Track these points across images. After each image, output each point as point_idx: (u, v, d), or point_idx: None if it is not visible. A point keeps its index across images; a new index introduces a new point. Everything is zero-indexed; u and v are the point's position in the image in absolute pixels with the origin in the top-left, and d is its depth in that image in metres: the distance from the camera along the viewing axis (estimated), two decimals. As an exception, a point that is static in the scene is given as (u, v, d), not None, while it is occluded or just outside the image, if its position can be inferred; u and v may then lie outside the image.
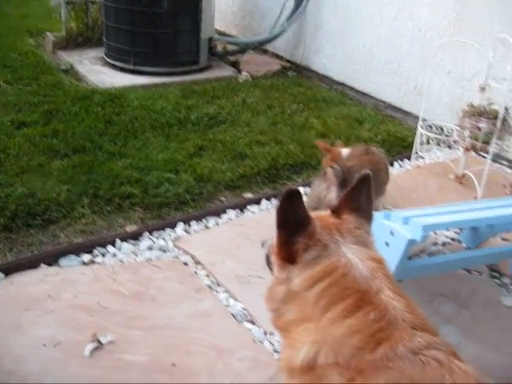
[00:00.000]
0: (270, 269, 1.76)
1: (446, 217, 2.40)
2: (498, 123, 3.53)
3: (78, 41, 6.19)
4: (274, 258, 1.64)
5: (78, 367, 2.23)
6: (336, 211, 1.65)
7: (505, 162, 4.35)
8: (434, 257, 3.07)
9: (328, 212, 1.67)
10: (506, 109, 3.60)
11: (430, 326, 1.41)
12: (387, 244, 2.26)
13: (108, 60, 5.71)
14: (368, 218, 1.61)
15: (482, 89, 3.77)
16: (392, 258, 2.23)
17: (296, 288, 1.51)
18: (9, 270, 2.69)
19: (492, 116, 3.60)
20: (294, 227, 1.51)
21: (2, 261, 2.77)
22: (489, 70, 3.71)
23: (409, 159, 4.29)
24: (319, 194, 2.91)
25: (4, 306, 2.50)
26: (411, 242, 2.21)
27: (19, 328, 2.39)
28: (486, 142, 3.66)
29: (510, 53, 3.41)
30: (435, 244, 3.27)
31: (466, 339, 2.56)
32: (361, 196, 1.60)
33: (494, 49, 3.65)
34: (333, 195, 2.88)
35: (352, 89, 5.68)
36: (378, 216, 2.36)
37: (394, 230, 2.24)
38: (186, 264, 2.91)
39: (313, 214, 1.60)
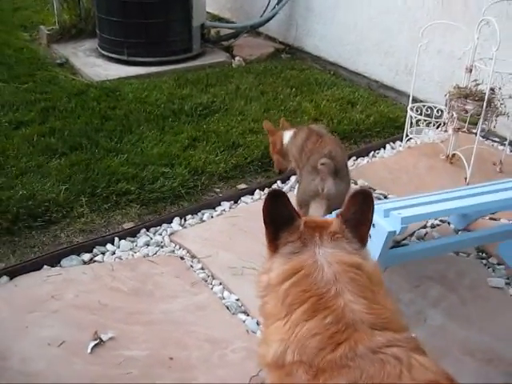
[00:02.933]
0: None
1: (426, 207, 2.49)
2: (484, 105, 3.59)
3: (71, 33, 6.25)
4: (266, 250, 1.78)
5: (81, 364, 2.36)
6: (337, 216, 1.75)
7: (496, 139, 4.41)
8: (421, 243, 3.17)
9: (334, 217, 1.77)
10: (492, 89, 3.66)
11: (396, 323, 1.51)
12: (370, 236, 2.35)
13: (102, 52, 5.78)
14: (358, 231, 1.69)
15: (469, 70, 3.83)
16: (374, 248, 2.34)
17: (273, 281, 1.64)
18: (13, 273, 2.81)
19: (478, 97, 3.66)
20: (278, 223, 1.65)
21: (6, 264, 2.89)
22: (474, 52, 3.76)
23: (400, 141, 4.36)
24: (316, 188, 3.01)
25: (10, 309, 2.63)
26: (391, 234, 2.31)
27: (25, 329, 2.52)
28: (474, 123, 3.73)
29: (495, 34, 3.45)
30: (424, 226, 3.36)
31: (452, 321, 2.68)
32: (352, 208, 1.69)
33: (479, 30, 3.69)
34: (331, 184, 2.99)
35: (345, 69, 5.73)
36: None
37: (375, 222, 2.34)
38: (182, 258, 3.02)
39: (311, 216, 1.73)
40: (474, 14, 4.25)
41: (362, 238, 1.68)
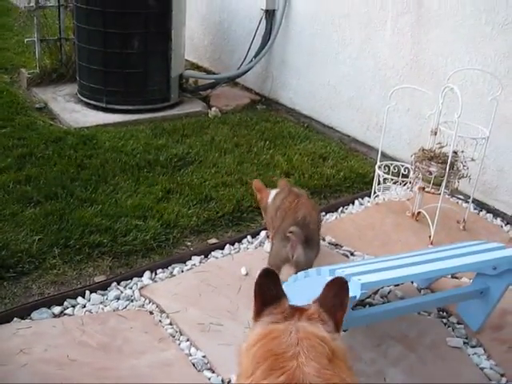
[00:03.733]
0: None
1: (388, 273, 2.60)
2: (447, 168, 3.76)
3: (52, 77, 6.34)
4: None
5: (47, 421, 2.40)
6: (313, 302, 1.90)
7: (461, 197, 4.57)
8: (384, 305, 3.26)
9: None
10: (455, 152, 3.83)
11: None
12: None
13: (81, 98, 5.88)
14: (334, 316, 1.83)
15: (434, 132, 4.00)
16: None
17: (248, 344, 1.78)
18: (-17, 325, 2.85)
19: (442, 160, 3.83)
20: (266, 299, 1.83)
21: (-23, 315, 2.93)
22: (439, 115, 3.94)
23: (369, 197, 4.50)
24: (286, 254, 3.15)
25: (-22, 362, 2.66)
26: (351, 299, 2.41)
27: (-7, 383, 2.56)
28: (438, 184, 3.89)
29: (457, 101, 3.63)
30: (388, 285, 3.48)
31: (411, 381, 2.77)
32: (329, 294, 1.85)
33: (443, 96, 3.87)
34: (300, 253, 3.12)
35: (318, 122, 5.90)
36: (323, 272, 2.58)
37: (337, 287, 2.45)
38: (151, 313, 3.08)
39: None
40: (440, 79, 4.47)
41: (337, 322, 1.82)
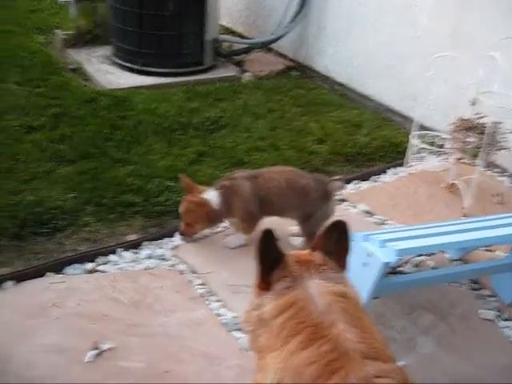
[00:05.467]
0: None
1: (423, 240, 2.57)
2: (486, 138, 3.67)
3: (86, 39, 6.34)
4: (252, 288, 1.88)
5: (79, 372, 2.44)
6: (313, 248, 1.87)
7: (498, 170, 4.48)
8: (416, 273, 3.23)
9: (307, 250, 1.89)
10: (495, 124, 3.74)
11: (385, 353, 1.59)
12: (364, 264, 2.44)
13: (115, 60, 5.87)
14: (339, 260, 1.80)
15: (473, 103, 3.91)
16: (368, 277, 2.43)
17: (265, 316, 1.74)
18: (18, 278, 2.89)
19: (480, 131, 3.74)
20: (270, 261, 1.74)
21: (12, 268, 2.97)
22: (478, 85, 3.84)
23: (402, 166, 4.43)
24: (331, 211, 3.31)
25: (13, 313, 2.71)
26: (386, 265, 2.39)
27: (26, 335, 2.60)
28: (475, 156, 3.81)
29: (498, 70, 3.53)
30: (420, 255, 3.43)
31: (441, 350, 2.75)
32: (331, 239, 1.80)
33: (484, 65, 3.77)
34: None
35: (353, 90, 5.81)
36: (357, 238, 2.55)
37: (370, 252, 2.43)
38: (182, 273, 3.10)
39: (292, 251, 1.83)
40: (481, 48, 4.34)
41: (342, 266, 1.80)
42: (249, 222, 3.29)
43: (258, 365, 1.81)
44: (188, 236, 3.32)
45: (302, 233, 3.31)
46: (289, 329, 1.65)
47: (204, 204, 3.18)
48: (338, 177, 4.18)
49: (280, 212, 3.35)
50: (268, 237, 1.74)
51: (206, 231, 3.40)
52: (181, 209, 3.25)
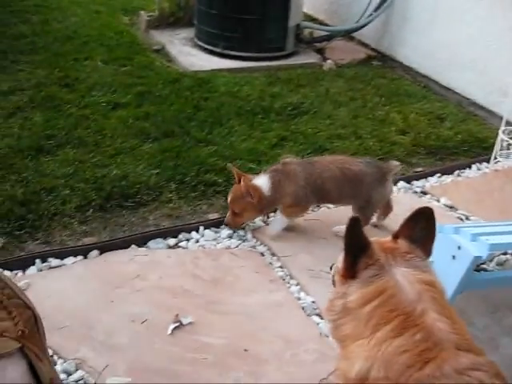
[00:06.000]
0: (334, 286, 1.99)
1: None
2: None
3: (169, 21, 6.43)
4: (336, 277, 1.86)
5: (161, 344, 2.48)
6: (395, 236, 1.83)
7: None
8: (505, 271, 3.12)
9: (388, 237, 1.86)
10: None
11: (475, 346, 1.55)
12: (454, 257, 2.37)
13: (198, 42, 5.93)
14: (424, 247, 1.76)
15: None
16: (457, 271, 2.36)
17: (351, 304, 1.71)
18: (103, 248, 2.97)
19: None
20: (356, 249, 1.72)
21: (98, 239, 3.05)
22: None
23: (487, 162, 4.29)
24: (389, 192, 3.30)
25: (98, 282, 2.78)
26: (476, 259, 2.31)
27: (110, 303, 2.66)
28: None
29: None
30: (505, 253, 3.32)
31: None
32: (416, 226, 1.77)
33: None
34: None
35: (436, 82, 5.65)
36: (447, 230, 2.48)
37: (461, 245, 2.35)
38: (262, 254, 3.10)
39: (374, 238, 1.80)
40: None
41: (427, 254, 1.77)
42: (297, 208, 3.23)
43: (341, 354, 1.79)
44: (234, 226, 3.25)
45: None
46: (378, 317, 1.62)
47: (254, 190, 3.10)
48: (420, 169, 4.10)
49: (336, 200, 3.33)
50: (355, 224, 1.72)
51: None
52: (229, 197, 3.18)
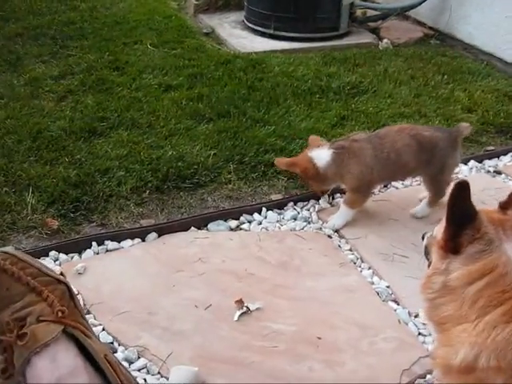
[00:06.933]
0: (427, 259, 1.77)
1: None
2: None
3: (218, 4, 6.26)
4: (434, 249, 1.64)
5: (228, 331, 2.31)
6: (503, 207, 1.61)
7: None
8: None
9: (495, 208, 1.64)
10: None
11: None
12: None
13: (248, 24, 5.74)
14: None
15: None
16: None
17: (454, 283, 1.50)
18: (161, 231, 2.81)
19: None
20: (462, 219, 1.50)
21: (156, 220, 2.90)
22: None
23: None
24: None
25: (158, 265, 2.63)
26: None
27: (172, 287, 2.51)
28: None
29: None
30: None
31: None
32: None
33: None
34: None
35: (500, 60, 5.33)
36: None
37: None
38: (330, 237, 2.90)
39: (479, 208, 1.56)
40: None
41: None
42: (361, 192, 2.96)
43: (439, 339, 1.58)
44: (319, 194, 3.14)
45: (433, 189, 3.02)
46: (487, 298, 1.41)
47: (307, 162, 2.92)
48: (491, 148, 3.84)
49: (409, 173, 3.08)
50: (463, 189, 1.48)
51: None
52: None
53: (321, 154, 2.92)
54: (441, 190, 2.94)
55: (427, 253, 1.79)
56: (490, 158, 3.73)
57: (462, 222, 1.49)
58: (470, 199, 1.48)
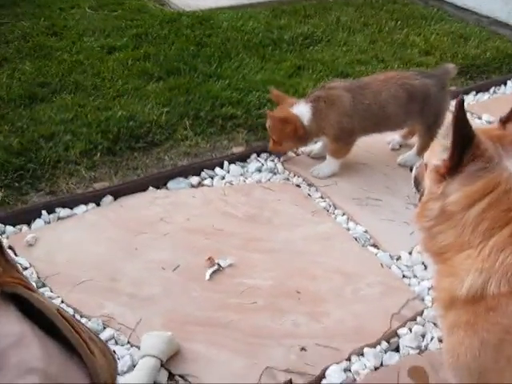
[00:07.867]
0: (418, 190, 1.63)
1: None
2: None
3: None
4: (427, 175, 1.48)
5: (200, 292, 2.13)
6: (504, 121, 1.47)
7: None
8: None
9: (494, 125, 1.50)
10: None
11: None
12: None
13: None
14: None
15: None
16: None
17: (452, 207, 1.34)
18: (117, 193, 2.60)
19: None
20: (461, 138, 1.34)
21: (110, 184, 2.67)
22: None
23: (521, 77, 3.92)
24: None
25: (117, 229, 2.41)
26: None
27: (134, 251, 2.30)
28: None
29: None
30: None
31: None
32: None
33: None
34: None
35: (450, 4, 5.23)
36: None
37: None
38: (298, 186, 2.73)
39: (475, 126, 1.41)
40: None
41: None
42: (343, 142, 2.77)
43: (440, 270, 1.43)
44: (279, 154, 2.89)
45: (426, 139, 2.79)
46: (491, 220, 1.26)
47: (292, 120, 2.69)
48: (453, 87, 3.72)
49: (399, 125, 2.89)
50: (463, 108, 1.33)
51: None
52: (267, 123, 2.79)
53: (303, 111, 2.70)
54: (434, 138, 2.77)
55: (418, 183, 1.64)
56: (452, 98, 3.61)
57: (461, 140, 1.34)
58: (467, 118, 1.33)
